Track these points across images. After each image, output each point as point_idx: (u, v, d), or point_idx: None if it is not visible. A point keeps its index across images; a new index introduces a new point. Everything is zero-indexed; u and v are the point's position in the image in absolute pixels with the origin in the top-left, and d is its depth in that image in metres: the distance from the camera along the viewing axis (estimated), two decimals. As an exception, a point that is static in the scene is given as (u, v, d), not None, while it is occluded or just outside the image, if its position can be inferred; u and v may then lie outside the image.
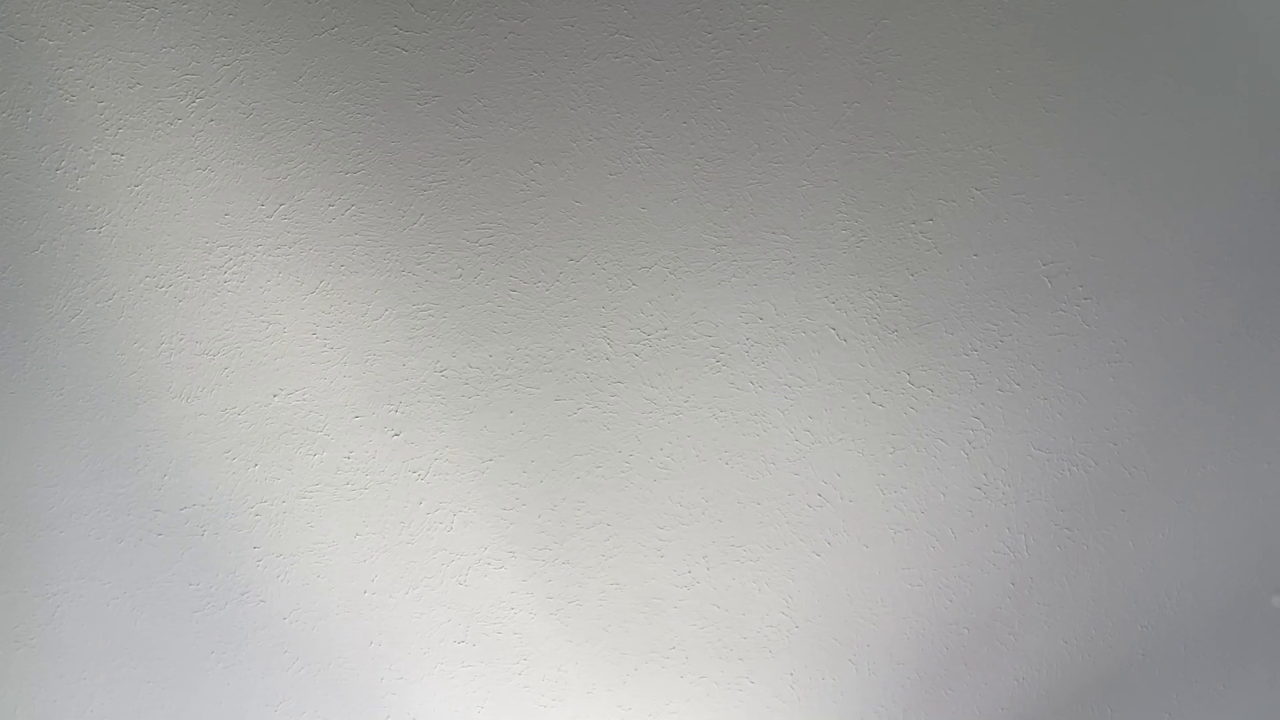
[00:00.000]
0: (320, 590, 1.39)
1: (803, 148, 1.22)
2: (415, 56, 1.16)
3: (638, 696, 1.45)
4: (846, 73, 1.19)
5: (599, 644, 1.43)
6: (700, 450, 1.35)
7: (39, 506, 1.33)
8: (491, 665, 1.44)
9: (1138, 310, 1.32)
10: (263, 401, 1.29)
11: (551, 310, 1.28)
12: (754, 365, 1.31)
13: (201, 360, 1.27)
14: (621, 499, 1.36)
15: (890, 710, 1.48)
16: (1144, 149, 1.25)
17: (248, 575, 1.38)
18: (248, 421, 1.30)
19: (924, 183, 1.25)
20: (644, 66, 1.18)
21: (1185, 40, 1.21)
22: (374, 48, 1.15)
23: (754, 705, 1.47)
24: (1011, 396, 1.35)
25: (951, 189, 1.25)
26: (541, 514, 1.37)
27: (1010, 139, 1.24)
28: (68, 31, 1.12)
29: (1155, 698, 1.50)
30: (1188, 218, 1.29)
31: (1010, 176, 1.25)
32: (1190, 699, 1.51)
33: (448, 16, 1.14)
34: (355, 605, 1.40)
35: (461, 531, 1.37)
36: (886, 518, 1.39)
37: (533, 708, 1.46)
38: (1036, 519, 1.41)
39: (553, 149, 1.21)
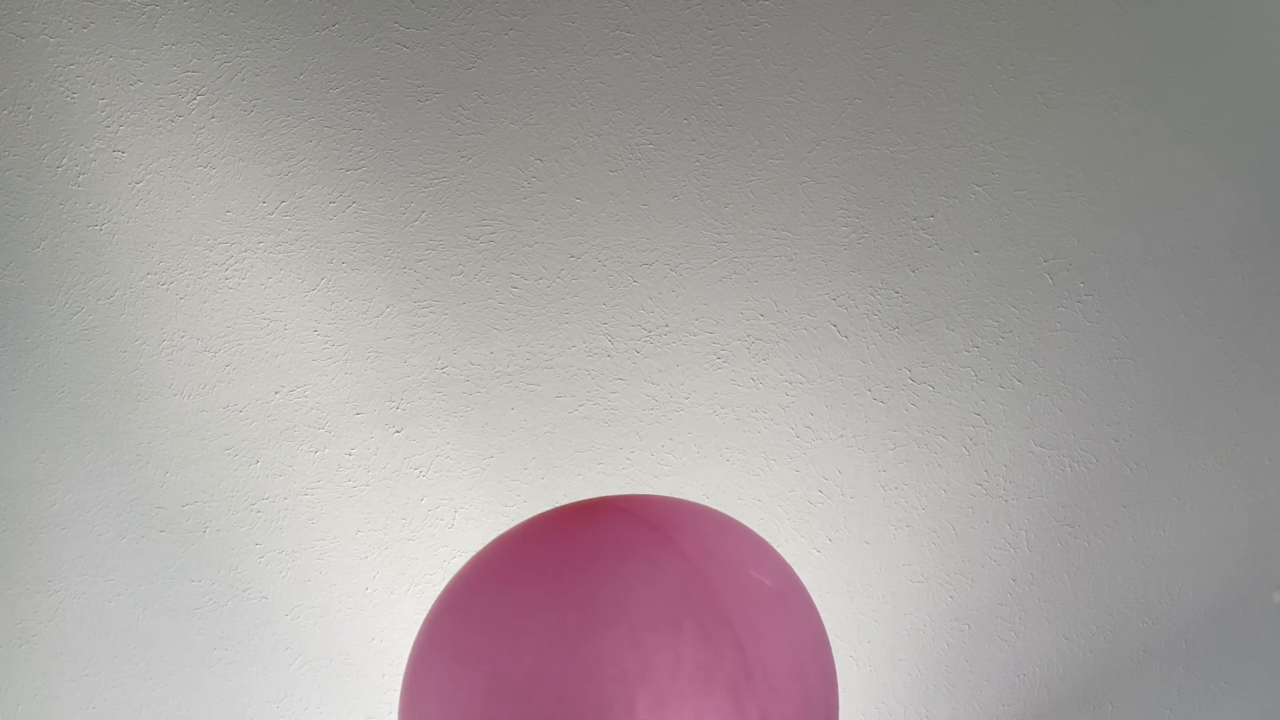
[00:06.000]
0: (322, 587, 1.39)
1: (803, 144, 1.22)
2: (416, 53, 1.16)
3: (639, 693, 1.45)
4: (847, 69, 1.19)
5: (600, 641, 1.43)
6: (701, 447, 1.35)
7: (41, 504, 1.34)
8: (493, 662, 1.43)
9: (1139, 307, 1.32)
10: (264, 399, 1.29)
11: (552, 307, 1.28)
12: (755, 362, 1.31)
13: (203, 357, 1.27)
14: (623, 496, 1.36)
15: (891, 707, 1.49)
16: (1146, 145, 1.25)
17: (249, 572, 1.38)
18: (249, 419, 1.30)
19: (925, 179, 1.25)
20: (644, 63, 1.18)
21: (1187, 35, 1.21)
22: (375, 45, 1.15)
23: (755, 702, 1.46)
24: (1012, 393, 1.35)
25: (953, 185, 1.25)
26: (543, 511, 1.37)
27: (1012, 135, 1.24)
28: (68, 29, 1.12)
29: (1157, 694, 1.51)
30: (1189, 214, 1.29)
31: (1012, 173, 1.25)
32: (1191, 695, 1.51)
33: (448, 13, 1.14)
34: (357, 602, 1.40)
35: (463, 528, 1.37)
36: (887, 514, 1.40)
37: (534, 704, 1.46)
38: (1038, 516, 1.41)
39: (553, 146, 1.21)
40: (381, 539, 1.37)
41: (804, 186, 1.24)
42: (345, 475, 1.34)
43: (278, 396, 1.30)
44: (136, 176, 1.19)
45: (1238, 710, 1.53)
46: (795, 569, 1.42)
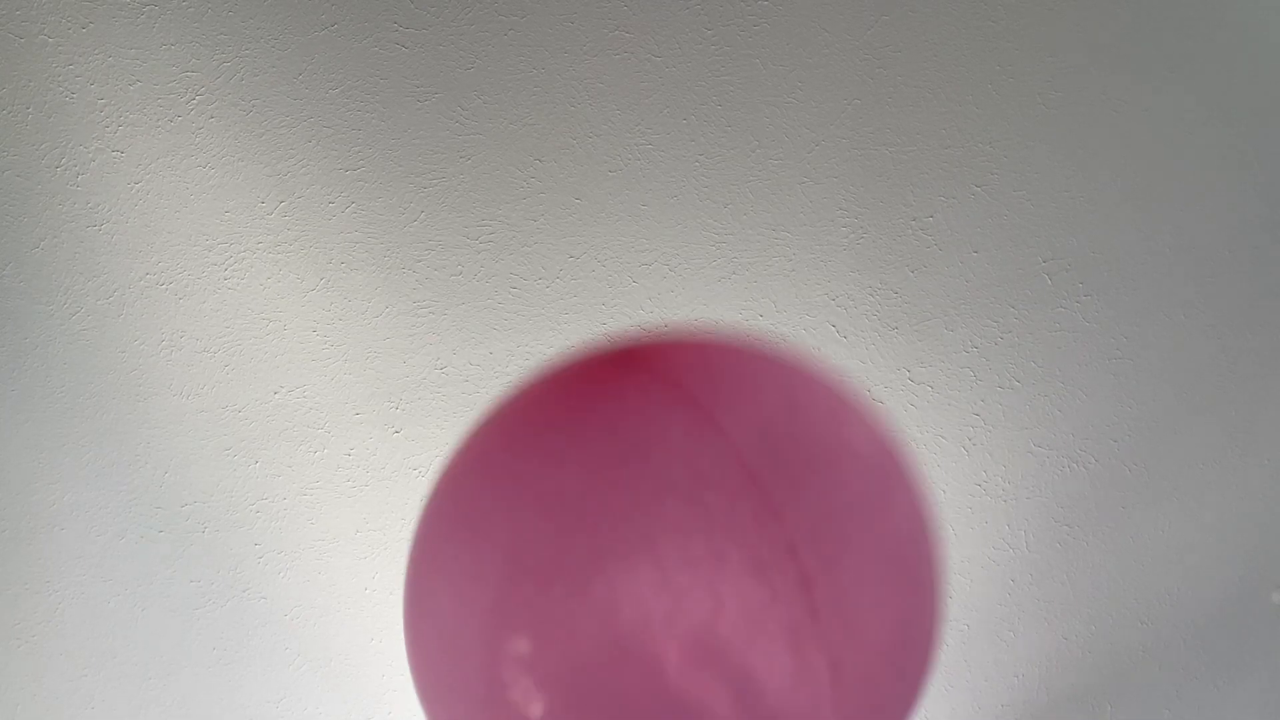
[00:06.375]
0: (321, 587, 1.39)
1: (803, 144, 1.22)
2: (415, 53, 1.16)
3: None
4: (846, 70, 1.19)
5: (600, 641, 1.43)
6: (701, 447, 1.35)
7: (40, 504, 1.34)
8: (492, 662, 1.43)
9: (1138, 307, 1.32)
10: (263, 399, 1.29)
11: (551, 308, 1.28)
12: (754, 362, 1.31)
13: (202, 358, 1.27)
14: (622, 496, 1.36)
15: (891, 707, 1.48)
16: (1144, 146, 1.25)
17: (249, 572, 1.38)
18: (248, 419, 1.30)
19: (924, 180, 1.25)
20: (644, 63, 1.18)
21: (1186, 36, 1.21)
22: (374, 44, 1.15)
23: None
24: (1011, 393, 1.35)
25: (952, 186, 1.25)
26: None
27: (1011, 136, 1.23)
28: (67, 29, 1.12)
29: (1155, 694, 1.51)
30: (1188, 215, 1.29)
31: (1010, 173, 1.25)
32: (1190, 695, 1.51)
33: (448, 13, 1.14)
34: (356, 602, 1.40)
35: (462, 528, 1.37)
36: (887, 514, 1.39)
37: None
38: (1037, 516, 1.41)
39: (553, 146, 1.21)
40: (381, 539, 1.37)
41: (803, 187, 1.24)
42: (344, 475, 1.34)
43: (277, 396, 1.30)
44: (135, 177, 1.19)
45: (1238, 710, 1.53)
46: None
